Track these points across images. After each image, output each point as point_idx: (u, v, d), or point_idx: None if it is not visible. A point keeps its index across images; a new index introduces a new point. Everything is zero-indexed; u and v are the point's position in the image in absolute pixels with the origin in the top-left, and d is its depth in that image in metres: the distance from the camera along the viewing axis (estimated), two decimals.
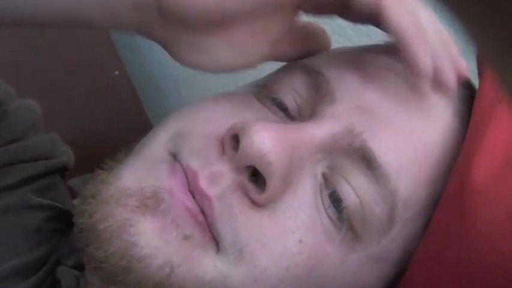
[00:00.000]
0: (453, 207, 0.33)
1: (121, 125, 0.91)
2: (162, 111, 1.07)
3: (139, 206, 0.32)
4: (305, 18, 0.36)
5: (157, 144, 0.36)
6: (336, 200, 0.33)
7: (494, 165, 0.33)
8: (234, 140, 0.33)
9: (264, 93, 0.38)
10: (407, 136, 0.35)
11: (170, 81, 1.03)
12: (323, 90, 0.36)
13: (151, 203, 0.32)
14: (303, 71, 0.37)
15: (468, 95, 0.39)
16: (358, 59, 0.38)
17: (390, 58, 0.37)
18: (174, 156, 0.34)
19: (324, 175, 0.34)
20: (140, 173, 0.34)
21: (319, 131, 0.33)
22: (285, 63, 0.41)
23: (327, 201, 0.33)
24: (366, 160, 0.33)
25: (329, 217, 0.33)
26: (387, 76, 0.36)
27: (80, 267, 0.40)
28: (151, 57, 1.02)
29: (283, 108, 0.37)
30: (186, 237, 0.32)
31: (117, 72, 0.91)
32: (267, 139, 0.31)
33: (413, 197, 0.34)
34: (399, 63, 0.35)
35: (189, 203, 0.32)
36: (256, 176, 0.32)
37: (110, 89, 0.91)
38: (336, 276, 0.34)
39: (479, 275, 0.32)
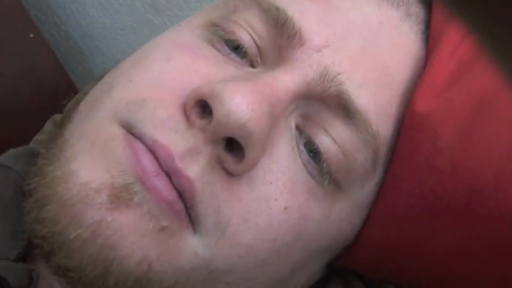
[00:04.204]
0: (411, 135, 0.32)
1: (43, 91, 0.87)
2: (86, 72, 1.03)
3: (111, 201, 0.27)
4: None
5: (102, 116, 0.30)
6: (314, 153, 0.31)
7: (441, 82, 0.32)
8: (199, 106, 0.29)
9: (219, 34, 0.33)
10: (382, 72, 0.32)
11: (89, 40, 0.99)
12: (288, 30, 0.31)
13: (124, 195, 0.28)
14: (259, 7, 0.33)
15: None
16: None
17: None
18: (128, 129, 0.29)
19: (297, 127, 0.31)
20: (97, 160, 0.29)
21: (292, 80, 0.30)
22: None
23: (305, 156, 0.31)
24: (343, 107, 0.31)
25: (310, 173, 0.31)
26: (347, 4, 0.33)
27: (24, 257, 0.34)
28: (67, 17, 0.98)
29: (242, 52, 0.33)
30: (162, 229, 0.28)
31: (31, 35, 0.87)
32: (244, 105, 0.27)
33: (389, 136, 0.32)
34: None
35: (165, 191, 0.28)
36: (231, 144, 0.29)
37: (27, 52, 0.87)
38: (321, 232, 0.32)
39: (442, 196, 0.31)
